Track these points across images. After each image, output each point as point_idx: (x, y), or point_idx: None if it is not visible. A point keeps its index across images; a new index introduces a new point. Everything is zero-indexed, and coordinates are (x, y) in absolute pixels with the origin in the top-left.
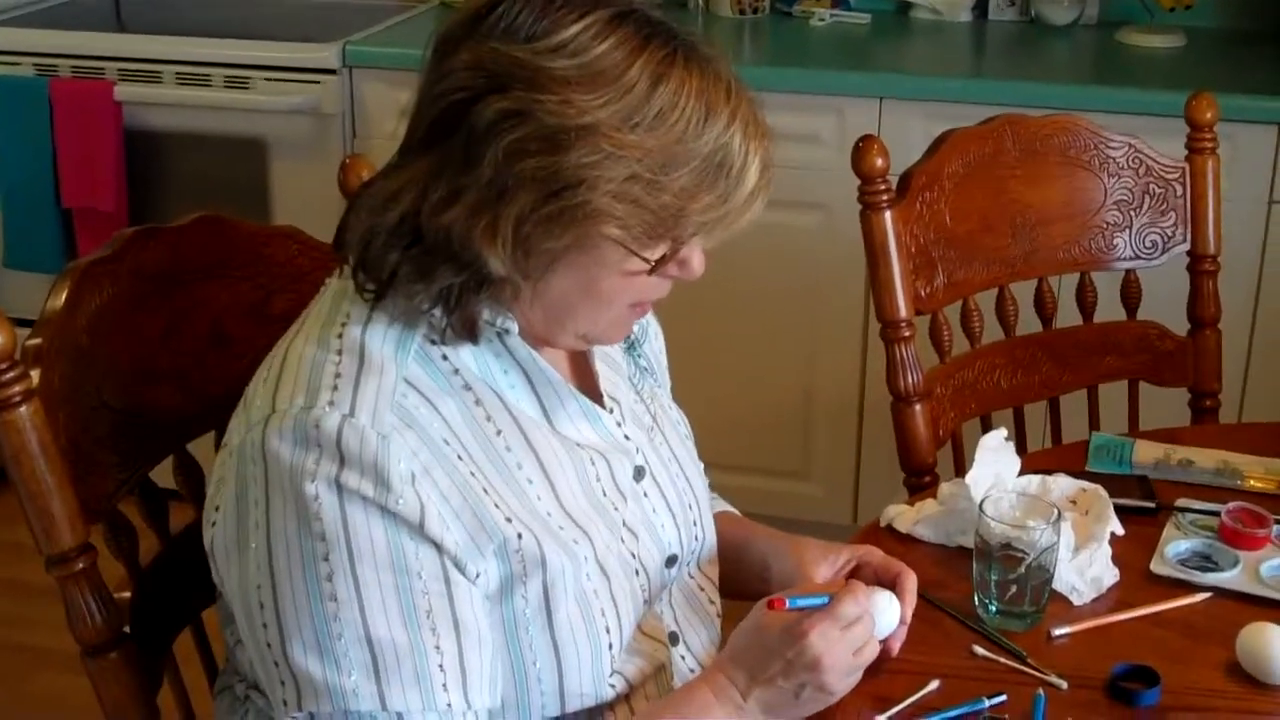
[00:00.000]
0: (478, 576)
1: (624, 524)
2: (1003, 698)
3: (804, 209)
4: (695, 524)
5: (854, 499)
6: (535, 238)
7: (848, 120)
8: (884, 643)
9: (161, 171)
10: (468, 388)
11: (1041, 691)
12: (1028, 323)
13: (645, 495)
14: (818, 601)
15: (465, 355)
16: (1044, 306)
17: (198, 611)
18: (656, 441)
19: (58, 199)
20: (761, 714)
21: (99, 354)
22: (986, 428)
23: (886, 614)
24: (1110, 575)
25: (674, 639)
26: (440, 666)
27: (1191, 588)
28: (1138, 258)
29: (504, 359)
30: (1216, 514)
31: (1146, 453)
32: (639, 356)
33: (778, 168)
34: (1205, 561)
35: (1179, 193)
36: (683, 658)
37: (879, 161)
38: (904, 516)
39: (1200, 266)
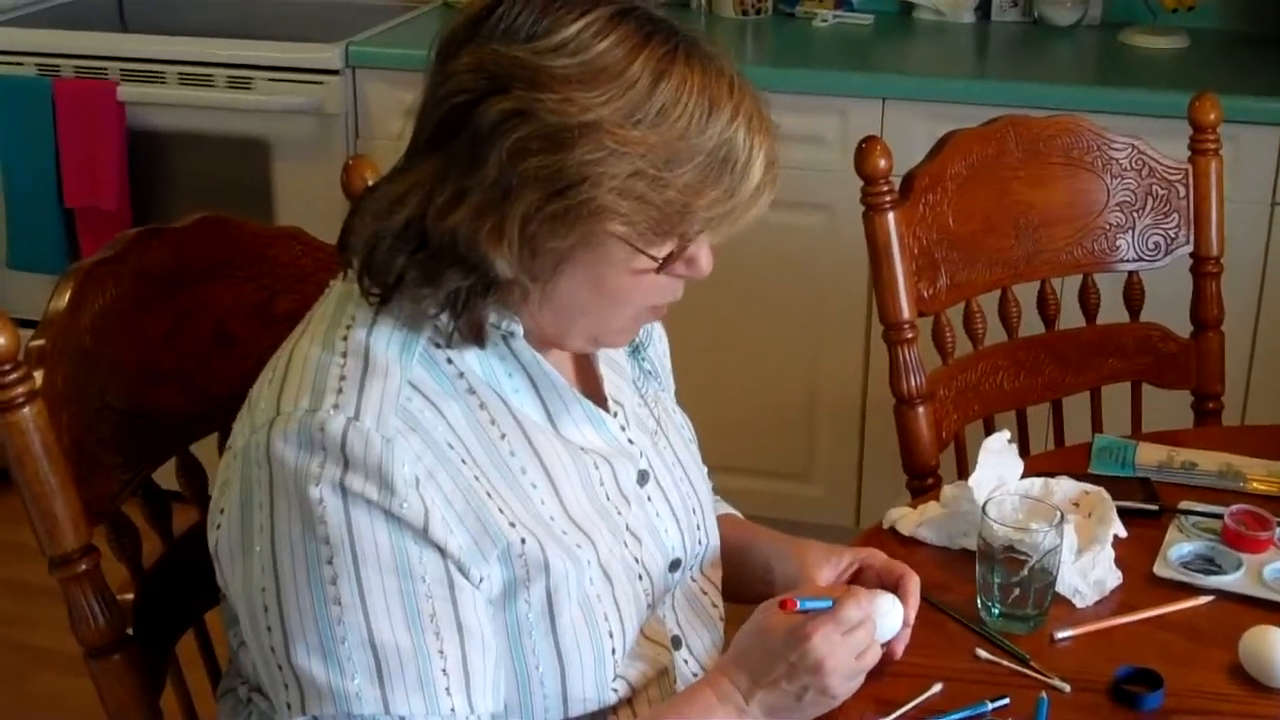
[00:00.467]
0: (481, 581)
1: (627, 528)
2: (1005, 701)
3: (807, 210)
4: (699, 528)
5: (856, 501)
6: (541, 237)
7: (850, 121)
8: (887, 645)
9: (164, 172)
10: (472, 391)
11: (1044, 694)
12: (1030, 324)
13: (649, 499)
14: (822, 604)
15: (470, 359)
16: (1046, 308)
17: (201, 614)
18: (660, 445)
19: (60, 199)
20: (764, 717)
21: (102, 355)
22: (989, 430)
23: (889, 617)
24: (1113, 578)
25: (677, 643)
26: (444, 671)
27: (1194, 590)
28: (1140, 259)
29: (508, 362)
30: (1219, 516)
31: (1149, 455)
32: (643, 360)
33: (780, 168)
34: (1208, 564)
35: (1182, 194)
36: (685, 661)
37: (882, 162)
38: (906, 519)
39: (1203, 268)
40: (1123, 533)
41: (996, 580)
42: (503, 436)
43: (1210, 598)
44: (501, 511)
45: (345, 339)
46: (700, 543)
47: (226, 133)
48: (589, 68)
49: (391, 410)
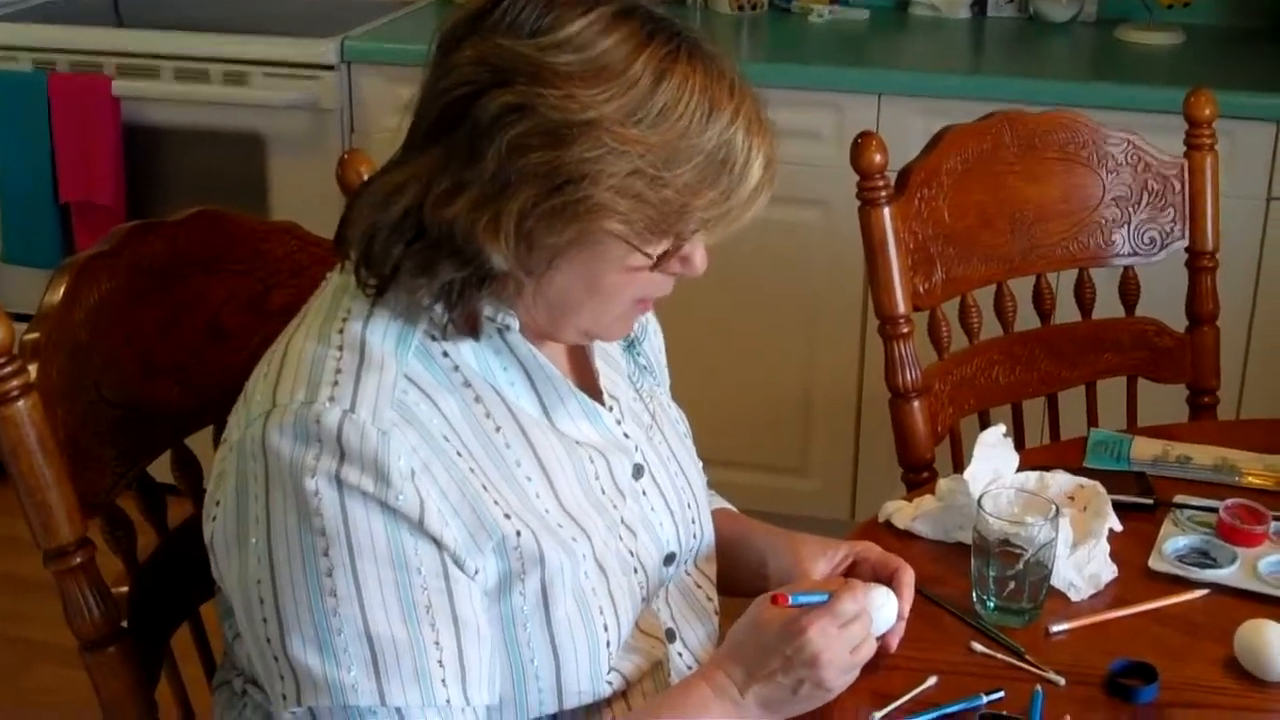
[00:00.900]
0: (476, 573)
1: (622, 522)
2: (1001, 694)
3: (803, 205)
4: (693, 522)
5: (852, 495)
6: (538, 232)
7: (846, 117)
8: (882, 639)
9: (160, 166)
10: (467, 385)
11: (1039, 688)
12: (1026, 319)
13: (644, 493)
14: (817, 598)
15: (465, 352)
16: (1042, 303)
17: (196, 606)
18: (655, 440)
19: (56, 194)
20: (759, 710)
21: (97, 348)
22: (985, 424)
23: (884, 610)
24: (1108, 571)
25: (671, 636)
26: (439, 662)
27: (1189, 584)
28: (1136, 254)
29: (504, 356)
30: (1214, 510)
31: (1145, 449)
32: (638, 355)
33: (778, 169)
34: (1203, 558)
35: (1177, 189)
36: (680, 655)
37: (877, 158)
38: (902, 512)
39: (1198, 263)
40: (1118, 526)
41: (992, 574)
42: (498, 430)
43: (1205, 591)
44: (497, 504)
45: (341, 332)
46: (695, 537)
47: (222, 127)
48: (591, 65)
49: (387, 403)
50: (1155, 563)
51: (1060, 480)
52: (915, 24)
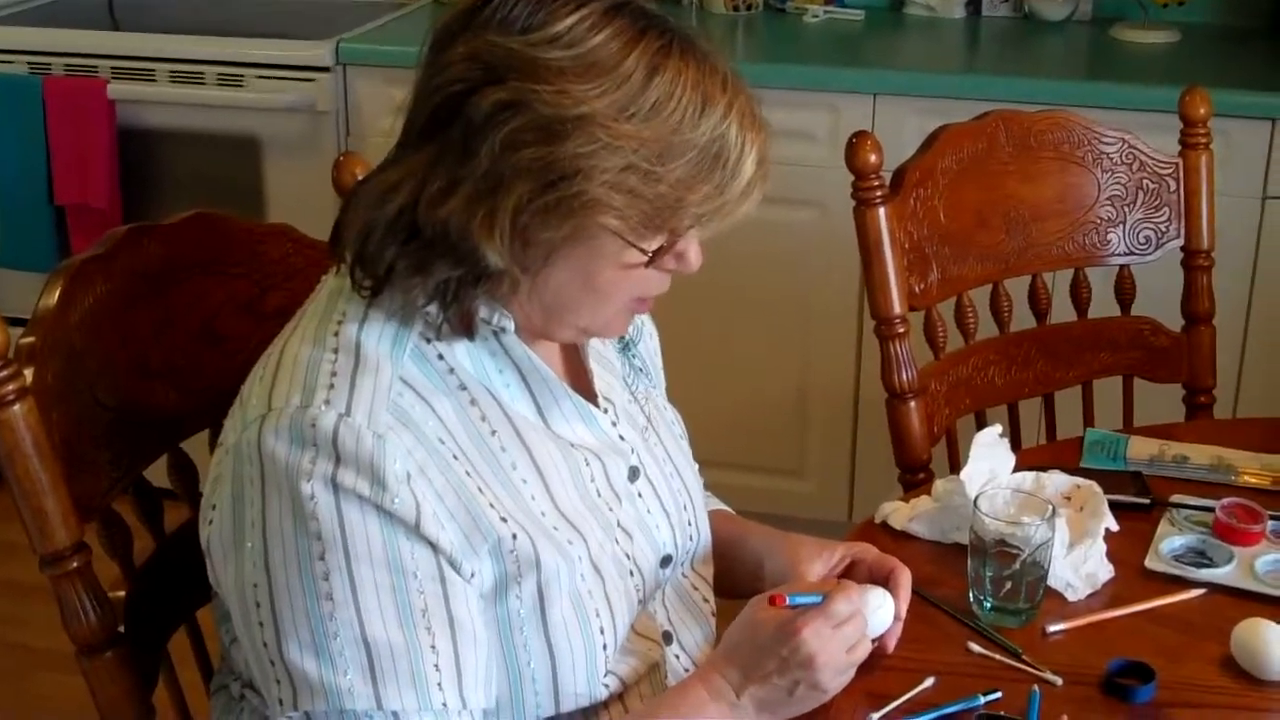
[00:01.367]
0: (473, 576)
1: (618, 524)
2: (998, 694)
3: (798, 206)
4: (690, 524)
5: (849, 496)
6: (533, 229)
7: (841, 116)
8: (879, 640)
9: (155, 169)
10: (463, 387)
11: (1037, 688)
12: (1022, 319)
13: (640, 496)
14: (812, 599)
15: (460, 354)
16: (1038, 302)
17: (193, 611)
18: (651, 442)
19: (51, 197)
20: (756, 712)
21: (92, 352)
22: (981, 424)
23: (881, 611)
24: (1105, 571)
25: (668, 638)
26: (436, 666)
27: (1186, 583)
28: (1131, 253)
29: (499, 358)
30: (1211, 510)
31: (1141, 449)
32: (633, 356)
33: (771, 164)
34: (1200, 557)
35: (1173, 188)
36: (677, 657)
37: (872, 157)
38: (899, 513)
39: (1194, 262)
40: (1114, 526)
41: (988, 574)
42: (493, 432)
43: (1202, 591)
44: (493, 506)
45: (336, 335)
46: (691, 539)
47: (217, 130)
48: (583, 61)
49: (383, 406)
50: (1152, 562)
51: (1057, 480)
52: (910, 23)
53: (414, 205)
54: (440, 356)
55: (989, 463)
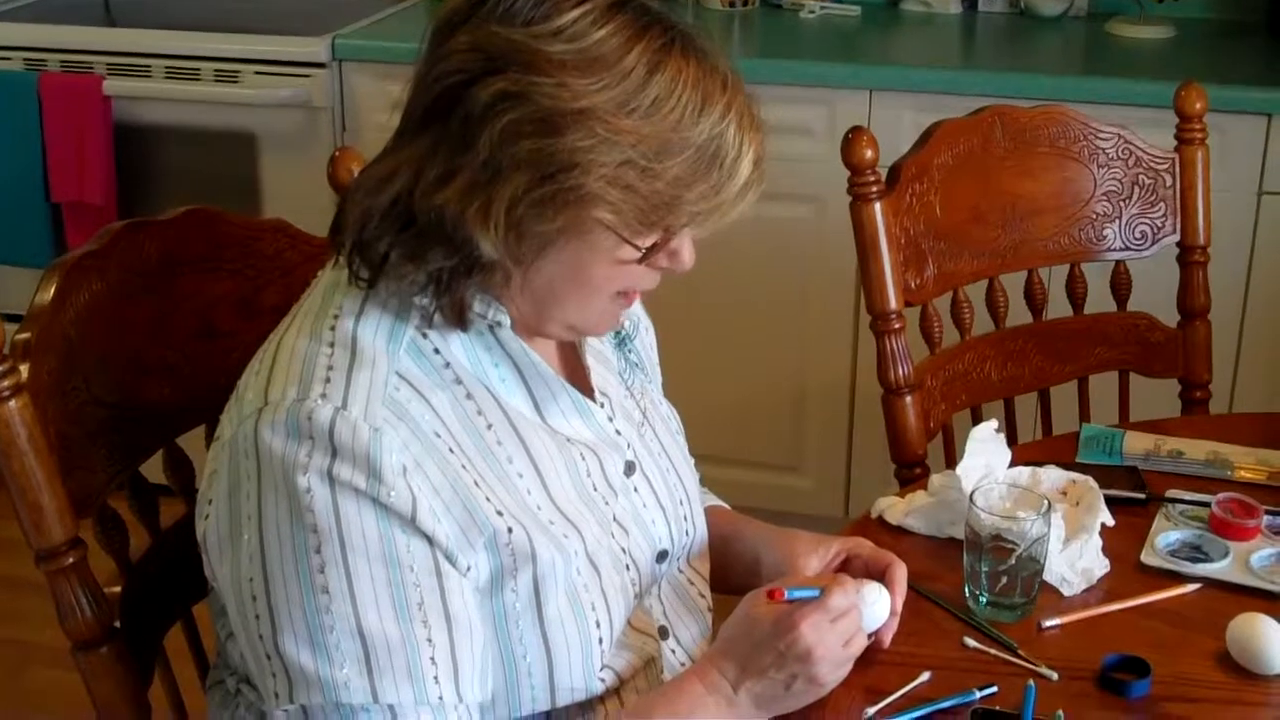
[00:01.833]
0: (469, 569)
1: (614, 519)
2: (993, 689)
3: (794, 201)
4: (686, 519)
5: (845, 491)
6: (527, 220)
7: (838, 112)
8: (875, 635)
9: (151, 165)
10: (459, 381)
11: (1032, 682)
12: (1018, 314)
13: (635, 490)
14: (809, 594)
15: (456, 349)
16: (1034, 298)
17: (189, 606)
18: (647, 437)
19: (47, 193)
20: (752, 706)
21: (88, 348)
22: (977, 419)
23: (876, 606)
24: (1101, 566)
25: (664, 633)
26: (432, 659)
27: (1182, 578)
28: (1127, 249)
29: (495, 352)
30: (1207, 505)
31: (1136, 444)
32: (630, 352)
33: (768, 160)
34: (1195, 552)
35: (1168, 183)
36: (673, 651)
37: (868, 153)
38: (895, 508)
39: (1190, 257)
40: (1110, 521)
41: (984, 569)
42: (489, 427)
43: (1197, 586)
44: (489, 500)
45: (333, 329)
46: (687, 534)
47: (213, 126)
48: (585, 55)
49: (379, 400)
50: (1147, 557)
51: (1052, 475)
52: (906, 19)
53: (410, 193)
54: (436, 351)
55: (985, 458)
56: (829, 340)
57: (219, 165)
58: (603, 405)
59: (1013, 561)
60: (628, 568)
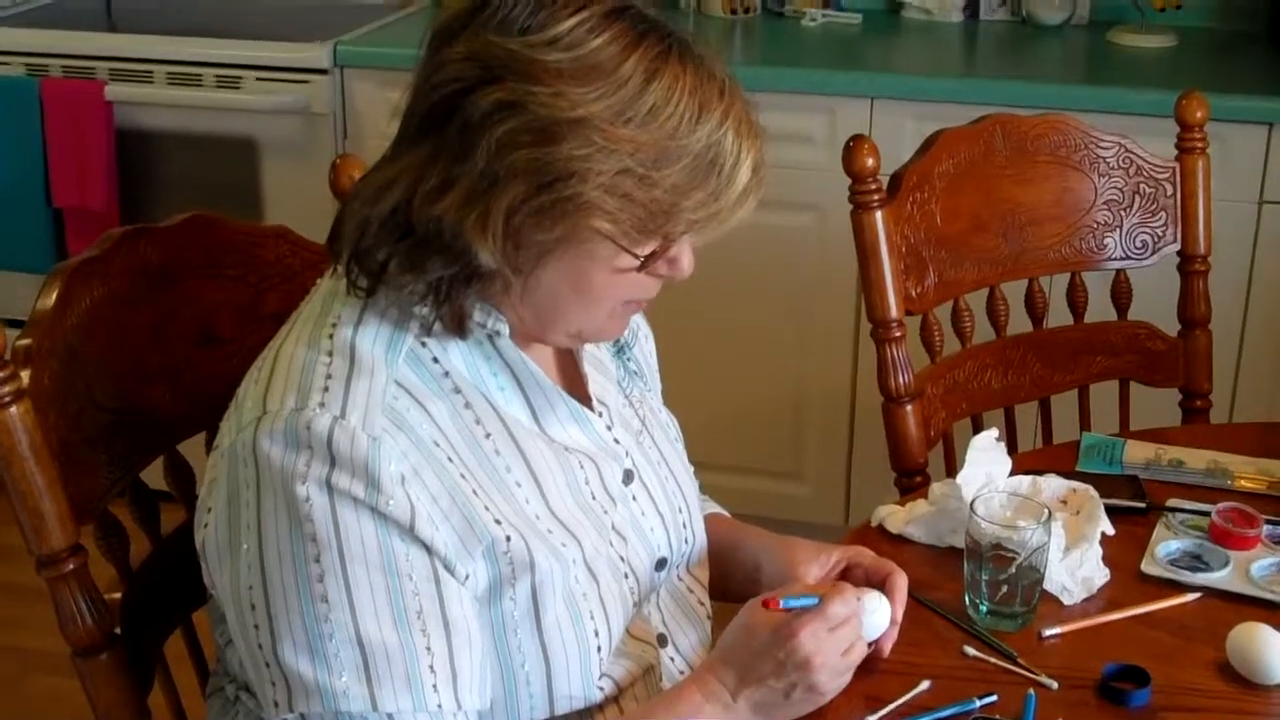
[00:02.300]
0: (467, 578)
1: (613, 527)
2: (994, 698)
3: (795, 209)
4: (685, 527)
5: (845, 499)
6: (526, 230)
7: (839, 120)
8: (875, 643)
9: (152, 171)
10: (457, 391)
11: (1032, 691)
12: (1018, 323)
13: (634, 499)
14: (808, 602)
15: (455, 358)
16: (1034, 306)
17: (189, 613)
18: (645, 445)
19: (48, 199)
20: (751, 715)
21: (89, 354)
22: (977, 428)
23: (877, 615)
24: (1101, 575)
25: (663, 641)
26: (431, 668)
27: (1182, 588)
28: (1128, 258)
29: (494, 361)
30: (1207, 514)
31: (1137, 453)
32: (628, 360)
33: (769, 168)
34: (1196, 561)
35: (1169, 192)
36: (672, 659)
37: (869, 161)
38: (895, 517)
39: (1190, 267)
40: (1110, 530)
41: (984, 578)
42: (488, 436)
43: (1198, 595)
44: (487, 509)
45: (331, 338)
46: (687, 541)
47: (214, 132)
48: (582, 63)
49: (378, 409)
50: (1148, 566)
51: (1053, 484)
52: (907, 27)
53: (408, 202)
54: (435, 360)
55: (985, 466)
56: (829, 348)
57: (220, 171)
58: (601, 414)
59: (1013, 570)
60: (626, 576)
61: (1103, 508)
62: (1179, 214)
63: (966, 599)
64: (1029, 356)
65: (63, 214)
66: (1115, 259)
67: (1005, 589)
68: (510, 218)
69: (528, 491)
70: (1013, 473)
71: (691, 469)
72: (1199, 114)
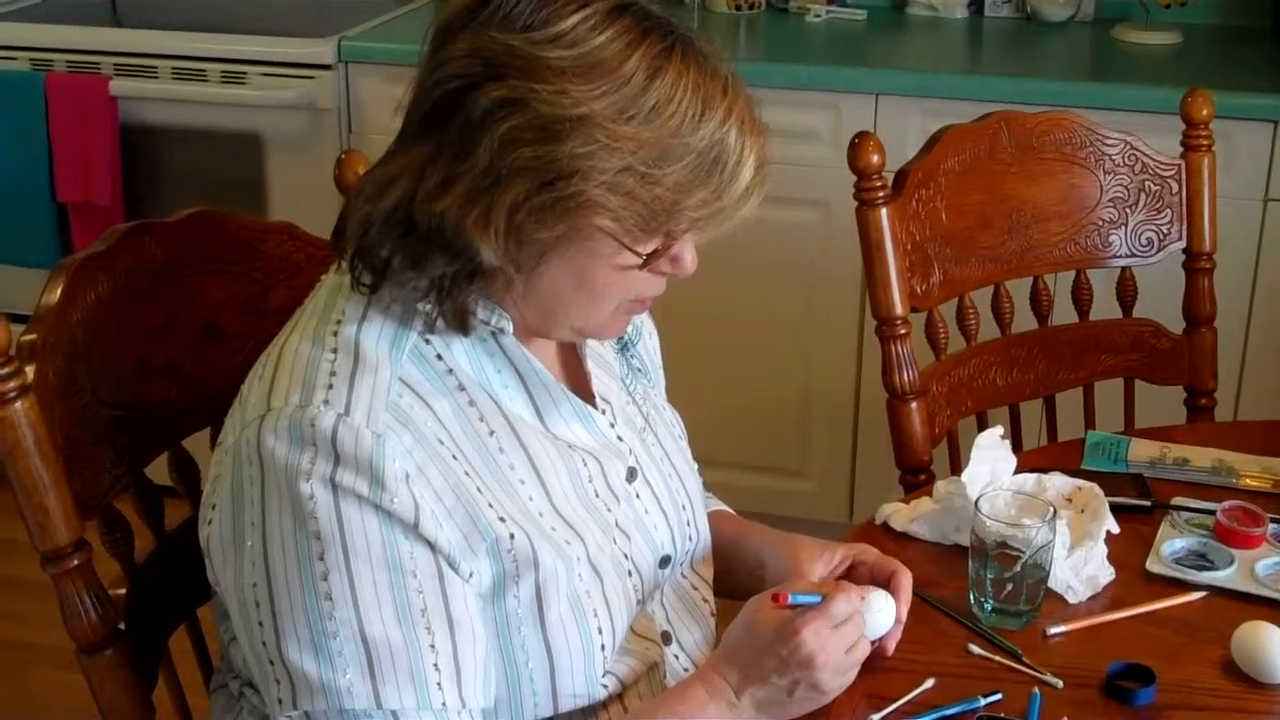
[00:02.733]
0: (471, 575)
1: (616, 525)
2: (998, 696)
3: (800, 206)
4: (689, 524)
5: (850, 497)
6: (528, 227)
7: (844, 117)
8: (879, 641)
9: (157, 166)
10: (461, 388)
11: (1037, 690)
12: (1023, 320)
13: (637, 496)
14: (811, 600)
15: (459, 355)
16: (1039, 304)
17: (193, 609)
18: (649, 442)
19: (53, 194)
20: (755, 713)
21: (94, 349)
22: (982, 425)
23: (881, 613)
24: (1106, 574)
25: (667, 638)
26: (435, 665)
27: (1187, 586)
28: (1133, 255)
29: (497, 358)
30: (1212, 512)
31: (1142, 451)
32: (632, 357)
33: (774, 164)
34: (1201, 560)
35: (1174, 190)
36: (676, 657)
37: (875, 158)
38: (899, 514)
39: (1196, 264)
40: (1115, 529)
41: (989, 576)
42: (491, 433)
43: (1203, 594)
44: (491, 506)
45: (335, 334)
46: (690, 539)
47: (219, 127)
48: (584, 61)
49: (382, 406)
50: (1153, 565)
51: (1058, 482)
52: (913, 24)
53: (410, 200)
54: (439, 357)
55: (990, 464)
56: (834, 345)
57: (225, 167)
58: (604, 411)
59: (1018, 568)
60: (630, 573)
61: (1108, 506)
62: (1184, 211)
63: (971, 597)
64: (1034, 354)
65: (67, 209)
66: (1120, 256)
67: (1010, 587)
68: (512, 215)
69: (531, 489)
70: (1017, 470)
71: (695, 466)
72: (1204, 111)
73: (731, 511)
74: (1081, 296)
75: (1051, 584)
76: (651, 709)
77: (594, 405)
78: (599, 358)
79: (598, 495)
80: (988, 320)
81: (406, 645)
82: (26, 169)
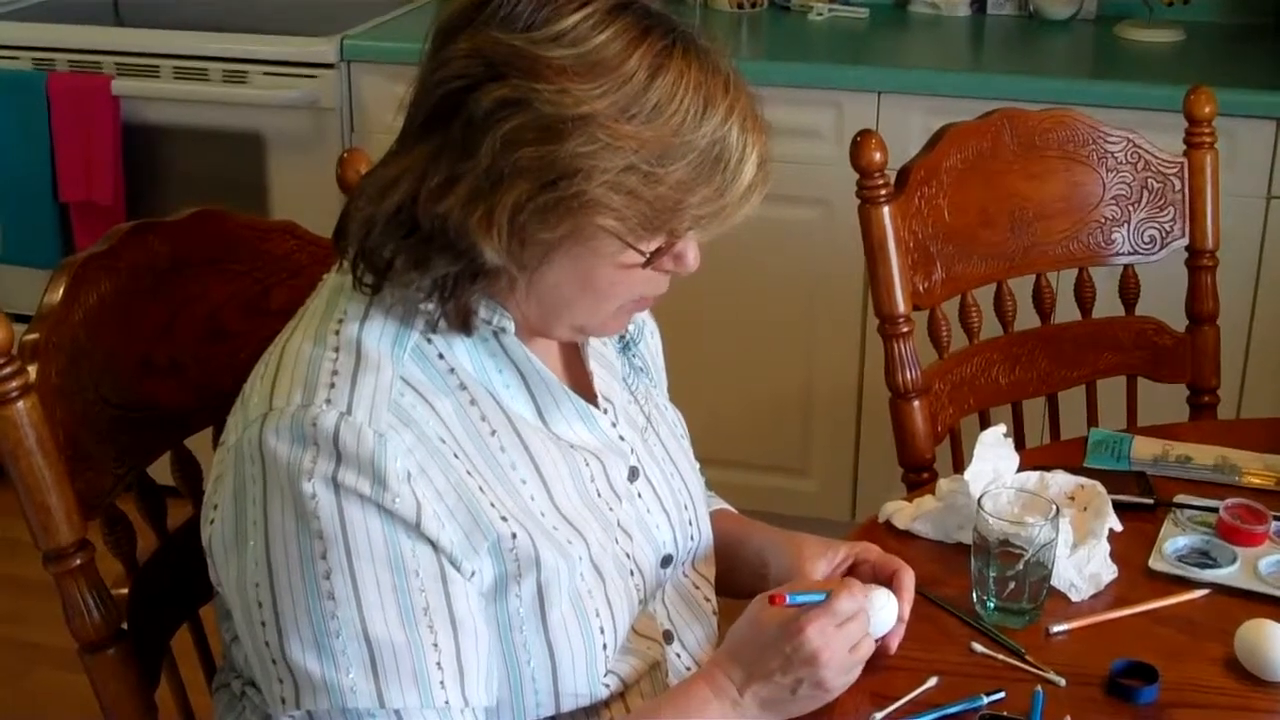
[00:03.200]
0: (473, 575)
1: (618, 524)
2: (1001, 694)
3: (802, 204)
4: (690, 523)
5: (852, 495)
6: (530, 227)
7: (846, 115)
8: (882, 640)
9: (159, 166)
10: (463, 387)
11: (1040, 688)
12: (1026, 318)
13: (639, 496)
14: (815, 598)
15: (461, 355)
16: (1042, 302)
17: (196, 608)
18: (650, 442)
19: (55, 193)
20: (758, 711)
21: (96, 349)
22: (985, 424)
23: (884, 611)
24: (1109, 572)
25: (669, 637)
26: (438, 664)
27: (1190, 584)
28: (1136, 253)
29: (499, 358)
30: (1215, 510)
31: (1145, 449)
32: (634, 356)
33: (776, 162)
34: (1204, 558)
35: (1177, 188)
36: (678, 656)
37: (877, 156)
38: (902, 513)
39: (1198, 262)
40: (1118, 526)
41: (992, 574)
42: (493, 433)
43: (1206, 591)
44: (493, 506)
45: (337, 334)
46: (692, 538)
47: (221, 127)
48: (586, 60)
49: (384, 405)
50: (1156, 563)
51: (1060, 480)
52: (915, 21)
53: (413, 200)
54: (441, 356)
55: (993, 462)
56: (836, 344)
57: (227, 166)
58: (606, 411)
59: (1020, 567)
60: (632, 573)
61: (1110, 504)
62: (1187, 209)
63: (974, 595)
64: (1036, 352)
65: (69, 209)
66: (1123, 254)
67: (1013, 585)
68: (515, 215)
69: (533, 488)
70: (1020, 468)
71: (697, 465)
72: (1207, 109)
73: (734, 510)
74: (1084, 294)
75: (1054, 582)
76: (655, 707)
77: (596, 405)
78: (601, 357)
79: (599, 495)
80: (990, 318)
81: (409, 645)
82: (28, 168)
